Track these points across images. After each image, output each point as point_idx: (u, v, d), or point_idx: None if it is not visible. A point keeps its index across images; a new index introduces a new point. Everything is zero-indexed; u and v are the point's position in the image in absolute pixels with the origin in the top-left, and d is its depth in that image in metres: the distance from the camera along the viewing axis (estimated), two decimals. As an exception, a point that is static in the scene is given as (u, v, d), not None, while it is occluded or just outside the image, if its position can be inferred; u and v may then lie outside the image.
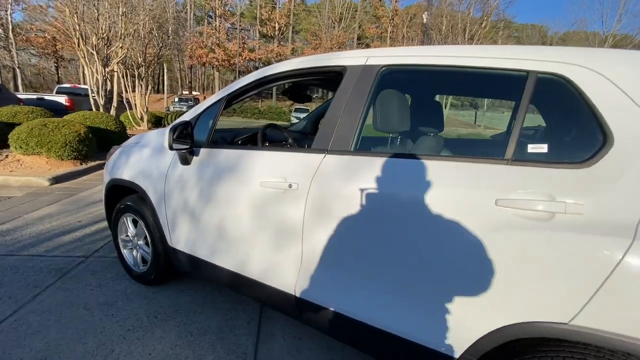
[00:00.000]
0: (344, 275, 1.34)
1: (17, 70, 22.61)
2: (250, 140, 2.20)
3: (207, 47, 28.94)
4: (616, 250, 0.85)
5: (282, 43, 33.23)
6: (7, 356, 1.64)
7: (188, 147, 1.77)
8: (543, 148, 1.06)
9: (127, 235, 2.40)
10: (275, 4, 32.12)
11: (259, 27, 33.42)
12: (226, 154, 1.74)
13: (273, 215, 1.50)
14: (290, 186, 1.42)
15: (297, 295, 1.47)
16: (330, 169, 1.37)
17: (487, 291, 1.02)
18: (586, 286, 0.88)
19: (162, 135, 2.10)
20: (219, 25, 30.15)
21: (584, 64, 1.02)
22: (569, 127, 1.16)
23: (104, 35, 7.81)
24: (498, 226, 1.00)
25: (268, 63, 33.13)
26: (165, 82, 30.12)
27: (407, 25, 21.78)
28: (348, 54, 1.50)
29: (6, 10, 21.69)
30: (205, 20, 34.84)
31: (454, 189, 1.10)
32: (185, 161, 1.85)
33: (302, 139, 2.55)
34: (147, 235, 2.19)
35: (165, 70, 29.24)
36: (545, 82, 1.07)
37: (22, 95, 9.53)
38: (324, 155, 1.40)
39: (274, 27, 31.64)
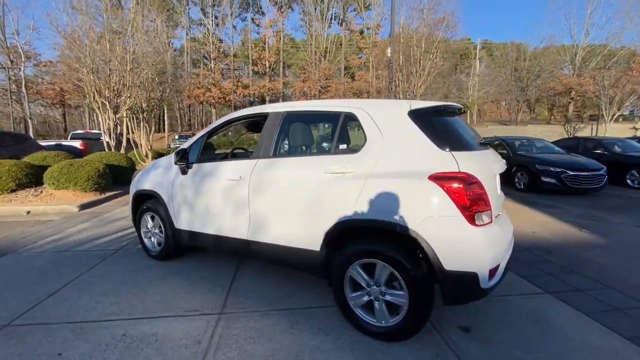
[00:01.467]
0: (270, 221, 2.51)
1: (29, 120, 24.43)
2: (225, 156, 3.44)
3: (203, 87, 31.15)
4: (362, 183, 2.05)
5: (273, 78, 35.65)
6: (83, 293, 2.77)
7: (185, 163, 3.01)
8: (344, 146, 2.29)
9: (147, 228, 3.57)
10: (265, 45, 34.83)
11: (252, 66, 35.99)
12: (208, 166, 2.97)
13: (233, 196, 2.69)
14: (240, 177, 2.64)
15: (249, 239, 2.64)
16: (261, 166, 2.58)
17: (324, 211, 2.20)
18: (354, 198, 2.06)
19: (169, 159, 3.34)
20: (214, 67, 32.53)
21: (359, 107, 2.27)
22: (355, 135, 2.39)
23: (115, 88, 9.34)
24: (325, 182, 2.20)
25: (261, 97, 35.39)
26: (166, 122, 32.12)
27: (385, 56, 23.90)
28: (269, 106, 2.78)
29: (20, 69, 23.89)
30: (201, 62, 37.56)
31: (310, 168, 2.31)
32: (184, 172, 3.08)
33: None
34: (161, 225, 3.36)
35: (166, 111, 31.29)
36: (346, 116, 2.32)
37: (43, 143, 10.97)
38: (257, 159, 2.63)
39: (265, 64, 34.12)
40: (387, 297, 2.05)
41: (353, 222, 2.09)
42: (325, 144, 2.61)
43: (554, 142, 11.18)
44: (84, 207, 6.05)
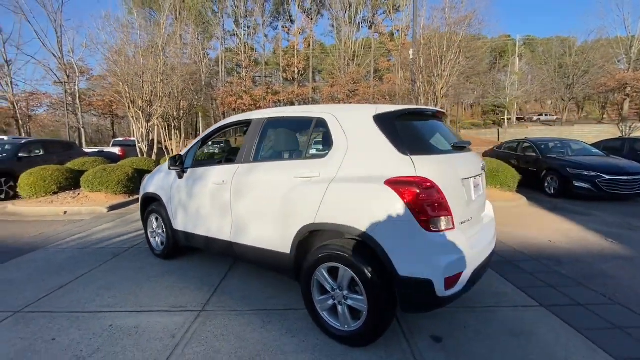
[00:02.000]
0: (248, 223, 2.61)
1: (82, 129, 26.90)
2: (219, 162, 3.59)
3: (235, 95, 32.41)
4: (325, 187, 2.08)
5: (302, 84, 36.25)
6: (88, 287, 3.04)
7: (180, 168, 3.21)
8: (314, 151, 2.33)
9: (152, 228, 3.83)
10: (294, 52, 35.54)
11: (282, 73, 36.89)
12: (200, 170, 3.14)
13: (218, 199, 2.83)
14: (223, 182, 2.77)
15: (231, 240, 2.75)
16: (241, 171, 2.70)
17: (292, 214, 2.25)
18: (317, 202, 2.09)
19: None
20: (245, 75, 33.78)
21: (329, 112, 2.30)
22: (324, 140, 2.40)
23: (147, 98, 10.10)
24: (294, 187, 2.26)
25: (291, 103, 36.11)
26: (201, 128, 33.80)
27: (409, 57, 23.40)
28: (254, 113, 2.89)
29: (75, 83, 26.45)
30: (235, 71, 39.14)
31: (283, 173, 2.38)
32: (180, 176, 3.28)
33: None
34: (163, 225, 3.60)
35: (201, 118, 33.00)
36: (317, 121, 2.36)
37: (87, 150, 12.08)
38: (239, 164, 2.74)
39: (293, 71, 34.81)
40: (349, 302, 2.05)
41: (316, 226, 2.12)
42: (299, 149, 2.66)
43: (595, 144, 10.29)
44: (112, 208, 6.58)
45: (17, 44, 25.24)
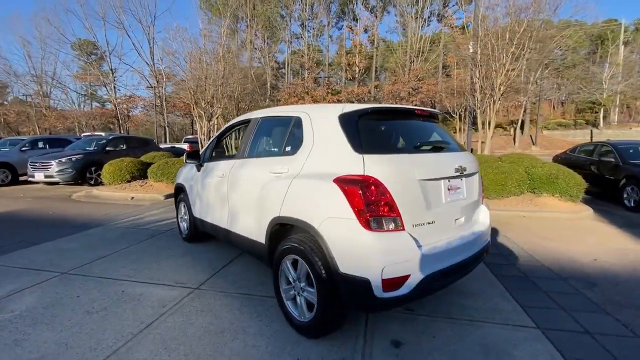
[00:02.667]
0: (238, 214, 2.85)
1: (167, 128, 30.86)
2: (228, 157, 3.89)
3: (297, 96, 33.72)
4: (288, 183, 2.19)
5: (363, 83, 36.02)
6: (120, 259, 3.63)
7: (197, 162, 3.61)
8: (289, 148, 2.44)
9: (181, 215, 4.35)
10: (357, 50, 35.46)
11: (344, 73, 37.16)
12: (211, 165, 3.49)
13: (219, 190, 3.13)
14: (222, 175, 3.05)
15: (227, 228, 3.03)
16: (237, 165, 2.95)
17: (265, 207, 2.41)
18: (281, 197, 2.22)
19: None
20: (307, 77, 34.88)
21: (304, 111, 2.39)
22: (297, 138, 2.47)
23: (209, 100, 11.26)
24: (268, 182, 2.41)
25: (350, 102, 36.15)
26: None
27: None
28: (253, 113, 3.12)
29: (162, 87, 30.44)
30: (300, 73, 40.66)
31: (262, 168, 2.55)
32: (198, 170, 3.69)
33: None
34: (187, 212, 4.07)
35: (265, 118, 35.03)
36: (295, 120, 2.47)
37: (162, 145, 13.93)
38: (236, 160, 3.00)
39: (355, 70, 34.77)
40: (305, 294, 2.13)
41: (281, 219, 2.25)
42: (279, 146, 2.79)
43: None
44: (168, 196, 7.53)
45: (119, 55, 30.05)
